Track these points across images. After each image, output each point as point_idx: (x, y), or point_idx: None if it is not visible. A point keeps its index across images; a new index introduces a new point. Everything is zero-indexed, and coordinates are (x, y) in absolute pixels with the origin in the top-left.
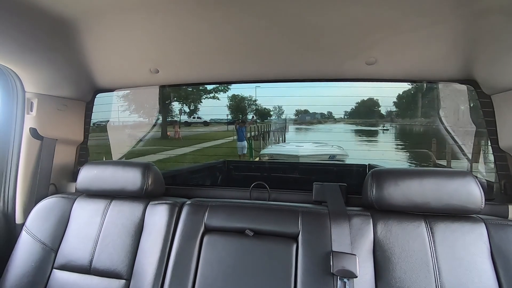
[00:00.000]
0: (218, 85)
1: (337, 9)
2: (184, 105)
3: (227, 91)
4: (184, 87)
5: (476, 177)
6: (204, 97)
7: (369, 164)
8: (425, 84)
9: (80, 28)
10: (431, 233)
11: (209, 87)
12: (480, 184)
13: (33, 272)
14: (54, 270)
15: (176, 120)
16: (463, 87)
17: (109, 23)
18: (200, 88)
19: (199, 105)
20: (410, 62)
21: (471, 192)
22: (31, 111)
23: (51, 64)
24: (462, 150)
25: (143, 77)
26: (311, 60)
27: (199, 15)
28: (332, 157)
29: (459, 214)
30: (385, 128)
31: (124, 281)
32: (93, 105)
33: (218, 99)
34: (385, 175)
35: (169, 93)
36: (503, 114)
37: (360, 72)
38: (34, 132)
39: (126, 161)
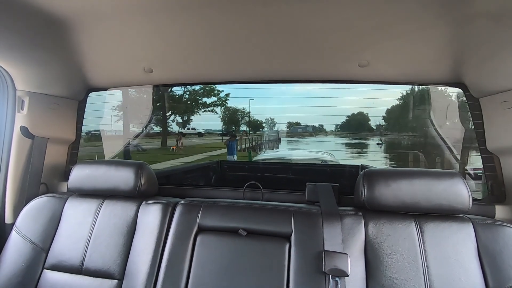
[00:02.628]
0: (216, 100)
1: (331, 12)
2: (179, 116)
3: (224, 104)
4: (183, 100)
5: (465, 177)
6: (203, 110)
7: (361, 164)
8: (411, 100)
9: (73, 26)
10: (421, 232)
11: (208, 100)
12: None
13: (23, 273)
14: (45, 271)
15: (181, 132)
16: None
17: (103, 22)
18: (199, 102)
19: (193, 116)
20: (401, 65)
21: (459, 193)
22: (22, 109)
23: (43, 62)
24: (451, 152)
25: (137, 76)
26: (305, 61)
27: (194, 16)
28: (323, 162)
29: (447, 214)
30: (379, 142)
31: (116, 281)
32: (85, 104)
33: (216, 112)
34: (376, 175)
35: (171, 106)
36: (490, 117)
37: (353, 74)
38: (25, 131)
39: (119, 160)
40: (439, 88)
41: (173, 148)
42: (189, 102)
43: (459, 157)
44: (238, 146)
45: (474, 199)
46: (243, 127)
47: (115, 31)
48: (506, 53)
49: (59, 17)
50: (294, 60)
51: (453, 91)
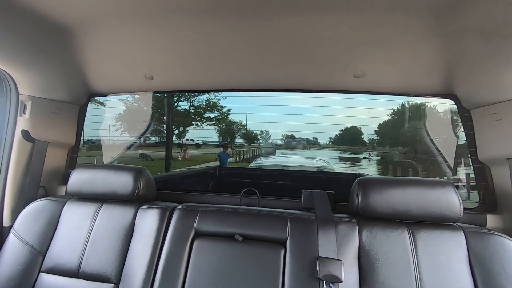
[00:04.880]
0: (219, 114)
1: (327, 23)
2: (181, 128)
3: (226, 119)
4: (187, 114)
5: (457, 187)
6: (206, 124)
7: (358, 173)
8: (403, 114)
9: (76, 33)
10: (413, 240)
11: (212, 115)
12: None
13: (20, 275)
14: (42, 274)
15: (186, 143)
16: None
17: (106, 29)
18: (204, 116)
19: (195, 129)
20: (395, 76)
21: (450, 201)
22: (24, 113)
23: (46, 67)
24: (445, 161)
25: (138, 83)
26: (301, 71)
27: (195, 25)
28: (319, 169)
29: (439, 222)
30: (366, 156)
31: (112, 285)
32: (86, 109)
33: (218, 125)
34: (370, 183)
35: (176, 119)
36: (481, 128)
37: (348, 84)
38: (26, 134)
39: (118, 165)
40: (429, 104)
41: (179, 158)
42: (193, 116)
43: (450, 169)
44: (233, 159)
45: (465, 208)
46: (239, 139)
47: (117, 38)
48: (494, 66)
49: (63, 24)
50: (291, 69)
51: (445, 103)
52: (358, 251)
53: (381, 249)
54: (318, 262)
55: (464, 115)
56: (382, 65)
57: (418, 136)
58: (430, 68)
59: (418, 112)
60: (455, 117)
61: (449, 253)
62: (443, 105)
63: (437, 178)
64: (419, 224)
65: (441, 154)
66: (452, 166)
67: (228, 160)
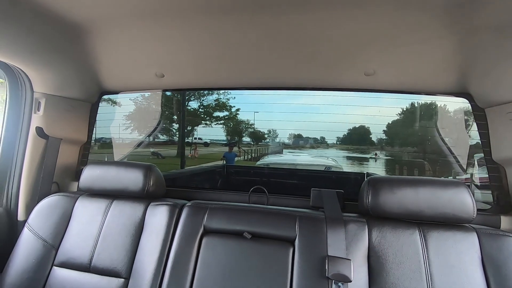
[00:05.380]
0: (228, 114)
1: (338, 21)
2: (190, 127)
3: (235, 119)
4: (197, 114)
5: (469, 187)
6: (215, 123)
7: (367, 172)
8: (418, 113)
9: (90, 32)
10: (425, 240)
11: (221, 114)
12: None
13: (34, 269)
14: (54, 267)
15: (195, 142)
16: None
17: (118, 28)
18: (213, 115)
19: (204, 128)
20: (407, 74)
21: (463, 202)
22: (38, 110)
23: (60, 65)
24: (457, 160)
25: (149, 81)
26: (312, 69)
27: (205, 23)
28: (327, 168)
29: (451, 223)
30: (372, 156)
31: (123, 279)
32: (98, 106)
33: (227, 125)
34: (381, 182)
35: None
36: (496, 127)
37: (359, 83)
38: (40, 131)
39: (129, 162)
40: (440, 103)
41: (190, 156)
42: (202, 115)
43: (462, 169)
44: (241, 158)
45: (479, 209)
46: (246, 138)
47: (129, 36)
48: (511, 64)
49: (76, 23)
50: (301, 67)
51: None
52: (368, 251)
53: (391, 249)
54: (327, 261)
55: (478, 114)
56: (394, 63)
57: (428, 135)
58: (443, 66)
59: (429, 111)
60: (465, 117)
61: (461, 254)
62: (454, 104)
63: (450, 178)
64: (431, 224)
65: (452, 153)
66: (464, 166)
67: (236, 159)
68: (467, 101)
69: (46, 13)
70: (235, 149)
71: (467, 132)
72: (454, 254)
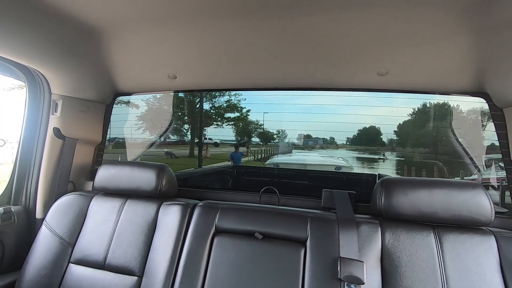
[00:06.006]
0: (239, 115)
1: (351, 21)
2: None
3: (246, 120)
4: (208, 115)
5: (488, 189)
6: (226, 124)
7: (379, 174)
8: (431, 112)
9: (105, 35)
10: (440, 243)
11: (232, 115)
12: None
13: (51, 265)
14: (70, 265)
15: (207, 142)
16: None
17: (132, 31)
18: (224, 117)
19: (215, 129)
20: (421, 73)
21: (480, 204)
22: (56, 111)
23: (77, 68)
24: (473, 162)
25: (161, 82)
26: (324, 69)
27: (217, 26)
28: (338, 168)
29: (468, 225)
30: (381, 157)
31: (136, 277)
32: (112, 107)
33: (238, 126)
34: (394, 184)
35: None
36: None
37: (371, 83)
38: (57, 132)
39: (142, 162)
40: (453, 103)
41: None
42: (213, 116)
43: (477, 170)
44: (250, 158)
45: (497, 212)
46: (256, 139)
47: (142, 39)
48: None
49: (92, 26)
50: (312, 68)
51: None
52: (381, 253)
53: (405, 252)
54: (339, 262)
55: (496, 114)
56: (408, 62)
57: (442, 135)
58: (459, 65)
59: (442, 111)
60: (479, 117)
61: (479, 258)
62: (469, 104)
63: (465, 179)
64: (446, 227)
65: (468, 154)
66: (480, 167)
67: (246, 159)
68: (484, 101)
69: (64, 18)
70: (242, 148)
71: (483, 133)
72: (471, 257)
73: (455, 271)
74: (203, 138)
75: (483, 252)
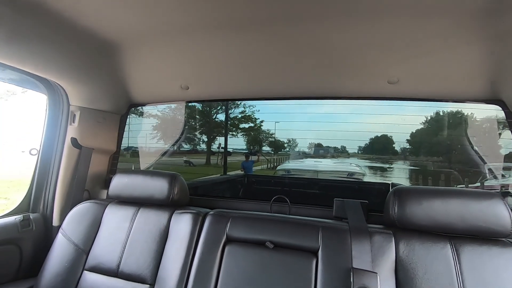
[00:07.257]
0: (252, 125)
1: (361, 30)
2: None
3: (259, 130)
4: (222, 125)
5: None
6: (241, 134)
7: (392, 183)
8: (446, 121)
9: (121, 49)
10: (457, 255)
11: (246, 125)
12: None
13: (66, 272)
14: (85, 272)
15: (221, 152)
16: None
17: (146, 44)
18: (239, 127)
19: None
20: (433, 81)
21: (498, 215)
22: (74, 122)
23: (94, 80)
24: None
25: (174, 93)
26: (334, 78)
27: (227, 37)
28: (350, 175)
29: (486, 237)
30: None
31: (148, 285)
32: (127, 117)
33: (250, 135)
34: (407, 193)
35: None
36: None
37: (382, 91)
38: (74, 142)
39: (155, 171)
40: (467, 111)
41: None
42: (229, 127)
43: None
44: (264, 166)
45: None
46: (267, 148)
47: (156, 52)
48: None
49: (109, 41)
50: (323, 77)
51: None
52: (395, 264)
53: (420, 263)
54: (352, 273)
55: None
56: (419, 71)
57: (455, 144)
58: (473, 72)
59: (456, 119)
60: (494, 126)
61: (498, 270)
62: (483, 111)
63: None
64: (463, 238)
65: (484, 162)
66: (497, 175)
67: (258, 167)
68: (500, 108)
69: (83, 34)
70: (252, 157)
71: (499, 141)
72: (490, 270)
73: (473, 284)
74: (218, 148)
75: (503, 265)
